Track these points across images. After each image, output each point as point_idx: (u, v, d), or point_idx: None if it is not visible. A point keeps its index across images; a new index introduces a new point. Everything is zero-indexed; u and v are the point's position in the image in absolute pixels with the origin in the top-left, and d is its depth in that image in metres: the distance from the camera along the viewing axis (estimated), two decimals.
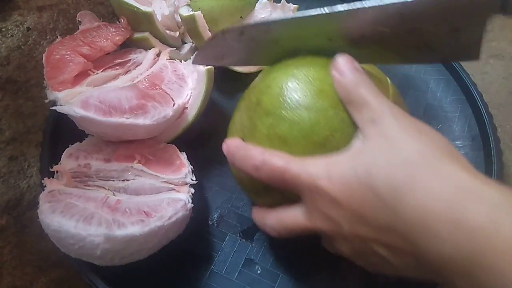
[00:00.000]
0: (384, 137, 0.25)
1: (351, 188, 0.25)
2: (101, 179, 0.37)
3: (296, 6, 0.48)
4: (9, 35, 0.54)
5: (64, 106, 0.35)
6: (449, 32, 0.28)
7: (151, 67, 0.43)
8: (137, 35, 0.44)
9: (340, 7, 0.29)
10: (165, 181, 0.37)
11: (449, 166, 0.23)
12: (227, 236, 0.39)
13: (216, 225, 0.39)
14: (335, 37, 0.31)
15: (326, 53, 0.31)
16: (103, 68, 0.42)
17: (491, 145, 0.40)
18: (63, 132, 0.43)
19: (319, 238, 0.31)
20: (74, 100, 0.36)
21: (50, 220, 0.31)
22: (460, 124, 0.44)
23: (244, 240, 0.38)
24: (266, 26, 0.32)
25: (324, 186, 0.25)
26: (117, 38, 0.43)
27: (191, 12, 0.42)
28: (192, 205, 0.35)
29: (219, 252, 0.38)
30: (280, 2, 0.48)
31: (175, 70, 0.42)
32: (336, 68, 0.29)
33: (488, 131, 0.41)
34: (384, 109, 0.26)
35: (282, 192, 0.29)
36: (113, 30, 0.43)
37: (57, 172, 0.37)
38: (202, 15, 0.42)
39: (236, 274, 0.37)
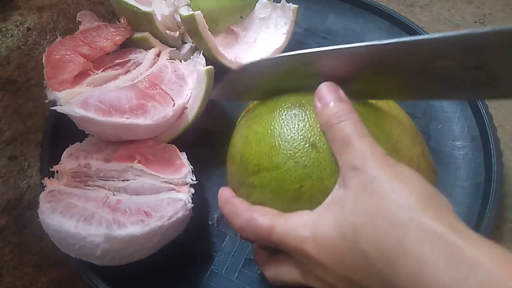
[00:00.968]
0: (367, 190, 0.23)
1: (340, 252, 0.23)
2: (101, 179, 0.37)
3: (296, 6, 0.48)
4: (9, 35, 0.54)
5: (64, 106, 0.35)
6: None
7: (151, 67, 0.43)
8: (137, 35, 0.44)
9: (396, 40, 0.25)
10: (165, 181, 0.37)
11: (437, 226, 0.21)
12: (227, 236, 0.39)
13: (216, 225, 0.39)
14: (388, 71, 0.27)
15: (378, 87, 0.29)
16: (103, 68, 0.42)
17: (491, 146, 0.40)
18: (63, 132, 0.43)
19: None
20: (74, 100, 0.36)
21: (50, 220, 0.31)
22: (460, 124, 0.44)
23: (244, 240, 0.38)
24: (308, 57, 0.28)
25: (310, 252, 0.24)
26: (117, 38, 0.43)
27: (191, 12, 0.42)
28: (192, 205, 0.35)
29: (219, 252, 0.38)
30: (280, 2, 0.48)
31: (175, 70, 0.42)
32: (319, 97, 0.27)
33: (488, 131, 0.41)
34: (367, 154, 0.24)
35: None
36: (113, 30, 0.43)
37: (57, 172, 0.37)
38: (202, 15, 0.42)
39: (236, 274, 0.37)
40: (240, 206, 0.29)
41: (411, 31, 0.50)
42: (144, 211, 0.33)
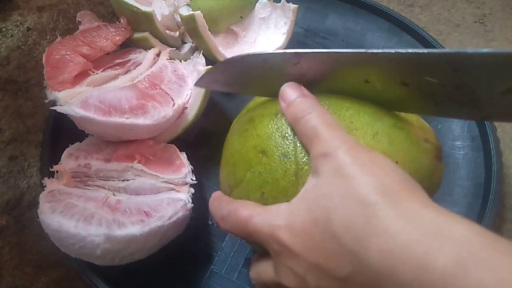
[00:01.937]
0: (338, 174, 0.23)
1: (312, 238, 0.23)
2: (101, 179, 0.37)
3: (296, 6, 0.48)
4: (9, 35, 0.54)
5: (64, 106, 0.35)
6: (502, 93, 0.24)
7: (151, 67, 0.43)
8: (137, 35, 0.44)
9: (384, 50, 0.26)
10: (165, 181, 0.37)
11: (409, 204, 0.21)
12: (227, 236, 0.39)
13: (216, 225, 0.39)
14: (374, 80, 0.28)
15: (359, 95, 0.29)
16: (103, 68, 0.42)
17: (491, 146, 0.40)
18: (63, 132, 0.43)
19: None
20: (74, 100, 0.36)
21: (50, 220, 0.31)
22: (460, 124, 0.44)
23: (244, 240, 0.38)
24: (296, 57, 0.28)
25: (284, 239, 0.24)
26: (117, 38, 0.43)
27: (191, 12, 0.42)
28: (192, 205, 0.35)
29: (219, 252, 0.38)
30: (280, 2, 0.48)
31: (175, 70, 0.42)
32: (283, 98, 0.28)
33: (488, 131, 0.41)
34: (336, 142, 0.24)
35: None
36: (113, 30, 0.43)
37: (57, 172, 0.37)
38: (202, 15, 0.42)
39: (236, 274, 0.37)
40: (224, 199, 0.30)
41: (411, 31, 0.50)
42: (144, 211, 0.33)
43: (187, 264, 0.37)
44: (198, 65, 0.42)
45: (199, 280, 0.37)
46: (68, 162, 0.37)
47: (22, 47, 0.53)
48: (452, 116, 0.30)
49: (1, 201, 0.42)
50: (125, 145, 0.38)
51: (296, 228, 0.24)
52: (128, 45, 0.45)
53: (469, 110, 0.27)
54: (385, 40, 0.51)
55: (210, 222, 0.40)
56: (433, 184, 0.30)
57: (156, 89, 0.39)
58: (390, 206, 0.21)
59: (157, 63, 0.43)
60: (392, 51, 0.25)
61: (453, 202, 0.40)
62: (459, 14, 0.56)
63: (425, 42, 0.49)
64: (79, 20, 0.44)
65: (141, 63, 0.43)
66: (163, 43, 0.45)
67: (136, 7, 0.42)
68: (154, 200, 0.35)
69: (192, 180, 0.37)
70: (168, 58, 0.44)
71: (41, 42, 0.54)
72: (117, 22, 0.44)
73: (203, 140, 0.44)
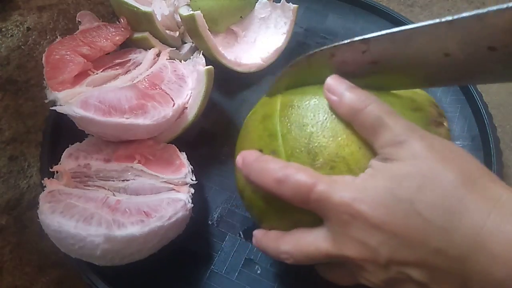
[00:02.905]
0: (417, 159, 0.24)
1: (394, 212, 0.23)
2: (101, 179, 0.37)
3: (296, 6, 0.48)
4: (9, 35, 0.54)
5: (64, 106, 0.35)
6: None
7: (151, 67, 0.43)
8: (137, 35, 0.44)
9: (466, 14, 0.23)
10: (165, 181, 0.37)
11: (494, 187, 0.23)
12: (227, 236, 0.39)
13: (216, 225, 0.39)
14: (453, 51, 0.25)
15: (437, 73, 0.27)
16: (103, 68, 0.42)
17: (491, 145, 0.40)
18: (63, 132, 0.43)
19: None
20: (74, 100, 0.36)
21: (50, 220, 0.31)
22: (460, 124, 0.44)
23: (244, 240, 0.38)
24: (364, 43, 0.27)
25: (361, 210, 0.24)
26: (117, 38, 0.43)
27: (191, 12, 0.42)
28: (192, 205, 0.35)
29: (219, 252, 0.38)
30: (279, 2, 0.48)
31: (175, 70, 0.42)
32: (332, 91, 0.27)
33: (488, 131, 0.41)
34: (406, 130, 0.25)
35: (300, 215, 0.27)
36: (113, 30, 0.43)
37: (57, 172, 0.37)
38: (202, 15, 0.42)
39: (236, 274, 0.37)
40: (276, 160, 0.27)
41: None
42: (144, 211, 0.33)
43: (187, 264, 0.37)
44: (198, 65, 0.42)
45: (199, 280, 0.37)
46: (68, 162, 0.37)
47: (22, 47, 0.53)
48: (497, 80, 0.27)
49: (1, 201, 0.42)
50: (125, 145, 0.38)
51: (375, 201, 0.24)
52: (128, 45, 0.45)
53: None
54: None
55: (210, 222, 0.40)
56: None
57: (156, 89, 0.39)
58: (475, 188, 0.23)
59: (157, 63, 0.43)
60: (474, 12, 0.23)
61: None
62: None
63: None
64: (79, 20, 0.44)
65: (141, 63, 0.43)
66: (163, 43, 0.45)
67: (136, 7, 0.42)
68: (154, 200, 0.35)
69: (192, 180, 0.37)
70: (168, 58, 0.44)
71: (41, 42, 0.54)
72: (117, 22, 0.44)
73: (203, 140, 0.44)
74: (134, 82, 0.40)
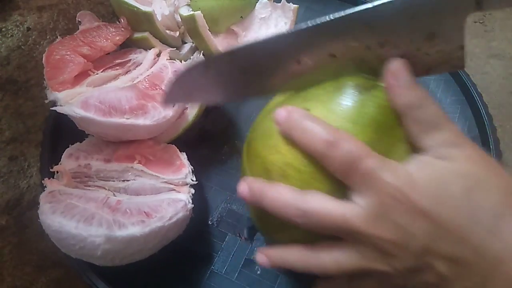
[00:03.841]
0: (472, 161, 0.25)
1: (443, 204, 0.24)
2: (101, 180, 0.37)
3: (296, 6, 0.48)
4: (9, 35, 0.54)
5: (64, 106, 0.35)
6: (425, 39, 0.25)
7: (151, 67, 0.43)
8: (137, 35, 0.44)
9: (306, 24, 0.27)
10: (165, 182, 0.37)
11: None
12: (227, 236, 0.39)
13: (216, 225, 0.39)
14: (305, 57, 0.28)
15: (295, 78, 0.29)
16: (103, 68, 0.42)
17: (491, 146, 0.40)
18: (63, 132, 0.43)
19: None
20: (74, 101, 0.36)
21: (51, 220, 0.31)
22: (460, 125, 0.44)
23: (244, 240, 0.38)
24: (231, 55, 0.29)
25: (412, 196, 0.24)
26: (117, 38, 0.43)
27: (191, 12, 0.42)
28: (192, 205, 0.35)
29: (219, 252, 0.38)
30: (280, 2, 0.48)
31: (175, 70, 0.42)
32: (395, 75, 0.26)
33: (488, 132, 0.41)
34: (462, 135, 0.26)
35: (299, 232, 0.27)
36: (113, 30, 0.43)
37: (57, 172, 0.37)
38: (202, 15, 0.42)
39: (236, 274, 0.37)
40: (324, 121, 0.26)
41: None
42: (145, 212, 0.33)
43: (187, 264, 0.37)
44: None
45: (199, 280, 0.37)
46: (68, 162, 0.37)
47: (22, 47, 0.53)
48: None
49: (1, 201, 0.42)
50: (125, 145, 0.38)
51: (426, 190, 0.24)
52: (128, 45, 0.45)
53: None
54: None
55: (210, 222, 0.40)
56: None
57: (156, 89, 0.39)
58: None
59: (157, 63, 0.43)
60: (309, 23, 0.27)
61: None
62: None
63: None
64: (79, 20, 0.44)
65: (141, 63, 0.43)
66: (163, 43, 0.45)
67: (136, 7, 0.42)
68: (154, 201, 0.35)
69: (192, 180, 0.37)
70: (168, 58, 0.44)
71: (41, 42, 0.54)
72: (117, 22, 0.44)
73: (203, 140, 0.44)
74: (134, 82, 0.40)
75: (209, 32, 0.43)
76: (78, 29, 0.43)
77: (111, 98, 0.36)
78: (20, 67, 0.51)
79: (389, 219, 0.24)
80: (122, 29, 0.44)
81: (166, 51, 0.44)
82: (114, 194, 0.36)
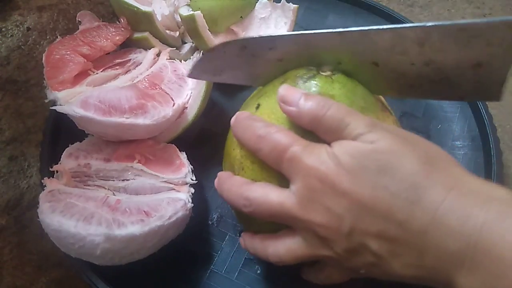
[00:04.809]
0: (386, 138, 0.25)
1: (361, 181, 0.24)
2: (101, 179, 0.37)
3: (296, 6, 0.48)
4: (9, 35, 0.54)
5: (64, 106, 0.35)
6: (471, 67, 0.25)
7: (151, 67, 0.43)
8: (137, 35, 0.44)
9: (354, 28, 0.27)
10: (165, 181, 0.37)
11: (456, 169, 0.25)
12: (227, 236, 0.39)
13: (216, 225, 0.39)
14: (345, 61, 0.28)
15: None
16: (103, 68, 0.42)
17: (491, 146, 0.40)
18: (63, 132, 0.43)
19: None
20: (74, 100, 0.36)
21: (50, 220, 0.31)
22: (460, 124, 0.44)
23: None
24: (271, 41, 0.30)
25: (331, 176, 0.24)
26: (117, 38, 0.43)
27: (191, 12, 0.42)
28: (192, 204, 0.35)
29: (219, 252, 0.38)
30: (280, 2, 0.48)
31: (175, 70, 0.42)
32: (287, 102, 0.27)
33: (488, 131, 0.41)
34: (371, 122, 0.26)
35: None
36: (113, 30, 0.43)
37: (57, 172, 0.37)
38: (202, 15, 0.42)
39: (236, 274, 0.37)
40: (261, 119, 0.28)
41: None
42: (144, 211, 0.33)
43: (187, 264, 0.37)
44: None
45: (199, 280, 0.37)
46: (68, 162, 0.37)
47: (22, 47, 0.53)
48: (429, 97, 0.31)
49: (1, 201, 0.42)
50: (125, 145, 0.38)
51: (344, 169, 0.24)
52: (128, 45, 0.45)
53: (444, 88, 0.28)
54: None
55: (210, 222, 0.40)
56: None
57: (156, 89, 0.39)
58: (439, 168, 0.24)
59: (157, 63, 0.43)
60: (360, 28, 0.26)
61: None
62: (459, 14, 0.56)
63: None
64: (79, 20, 0.44)
65: (141, 63, 0.43)
66: (163, 43, 0.46)
67: (136, 7, 0.42)
68: (154, 200, 0.35)
69: (192, 180, 0.37)
70: (168, 58, 0.44)
71: (41, 42, 0.54)
72: (117, 22, 0.44)
73: (203, 140, 0.44)
74: (134, 82, 0.40)
75: (209, 32, 0.43)
76: (78, 29, 0.43)
77: (111, 98, 0.36)
78: (20, 67, 0.51)
79: (318, 202, 0.25)
80: (122, 29, 0.44)
81: (166, 51, 0.44)
82: (113, 193, 0.36)
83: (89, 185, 0.37)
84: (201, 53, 0.42)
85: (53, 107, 0.36)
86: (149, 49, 0.44)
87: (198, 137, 0.44)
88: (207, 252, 0.38)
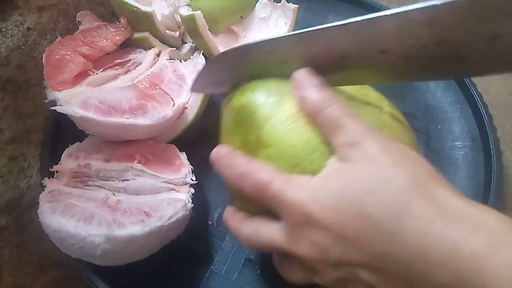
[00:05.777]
0: (370, 162, 0.24)
1: (343, 214, 0.24)
2: (101, 179, 0.37)
3: (296, 6, 0.48)
4: (9, 35, 0.54)
5: (64, 106, 0.35)
6: (486, 40, 0.23)
7: (151, 67, 0.43)
8: (137, 35, 0.44)
9: (356, 18, 0.26)
10: (165, 181, 0.37)
11: (443, 192, 0.23)
12: (227, 236, 0.39)
13: (216, 225, 0.39)
14: (352, 53, 0.27)
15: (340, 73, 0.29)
16: (103, 68, 0.42)
17: (491, 146, 0.40)
18: (63, 132, 0.43)
19: None
20: (74, 100, 0.36)
21: (50, 220, 0.31)
22: (460, 124, 0.44)
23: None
24: (271, 44, 0.29)
25: (313, 211, 0.24)
26: (117, 38, 0.43)
27: (191, 12, 0.42)
28: (192, 205, 0.35)
29: (219, 252, 0.38)
30: (280, 2, 0.48)
31: (175, 70, 0.42)
32: (297, 86, 0.27)
33: (488, 131, 0.41)
34: (363, 132, 0.25)
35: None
36: (113, 30, 0.43)
37: (57, 172, 0.37)
38: (202, 15, 0.42)
39: (236, 274, 0.37)
40: (242, 157, 0.28)
41: None
42: (144, 211, 0.33)
43: (187, 264, 0.37)
44: (198, 65, 0.42)
45: (199, 280, 0.37)
46: (68, 162, 0.37)
47: (22, 47, 0.53)
48: (446, 77, 0.29)
49: (1, 201, 0.42)
50: (125, 145, 0.38)
51: (326, 203, 0.24)
52: (128, 45, 0.45)
53: (459, 67, 0.26)
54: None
55: (210, 222, 0.40)
56: None
57: (156, 89, 0.39)
58: (424, 194, 0.23)
59: (157, 63, 0.43)
60: (362, 18, 0.26)
61: None
62: None
63: None
64: (79, 20, 0.44)
65: (141, 63, 0.43)
66: (163, 43, 0.45)
67: (136, 7, 0.42)
68: (154, 200, 0.35)
69: (192, 180, 0.37)
70: (168, 58, 0.44)
71: (41, 42, 0.54)
72: (117, 22, 0.44)
73: (203, 140, 0.44)
74: (134, 82, 0.40)
75: (209, 32, 0.43)
76: (78, 29, 0.43)
77: (111, 98, 0.36)
78: (20, 67, 0.51)
79: (304, 237, 0.25)
80: (122, 29, 0.44)
81: (166, 51, 0.44)
82: (113, 193, 0.36)
83: (89, 186, 0.37)
84: (202, 64, 0.42)
85: (53, 107, 0.36)
86: (149, 49, 0.44)
87: (198, 137, 0.44)
88: (207, 252, 0.38)
